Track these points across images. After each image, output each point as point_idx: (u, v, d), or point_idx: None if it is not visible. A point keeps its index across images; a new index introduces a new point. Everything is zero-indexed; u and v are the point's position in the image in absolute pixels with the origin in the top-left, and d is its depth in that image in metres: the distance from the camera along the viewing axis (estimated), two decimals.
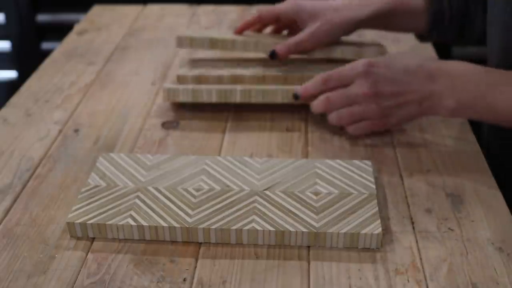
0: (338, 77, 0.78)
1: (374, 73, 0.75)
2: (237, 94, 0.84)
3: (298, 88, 0.82)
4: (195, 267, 0.60)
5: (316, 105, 0.80)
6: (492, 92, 0.71)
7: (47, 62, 1.03)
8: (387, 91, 0.75)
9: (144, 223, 0.63)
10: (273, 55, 0.89)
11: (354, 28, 0.90)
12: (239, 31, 0.96)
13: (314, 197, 0.66)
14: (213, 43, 0.93)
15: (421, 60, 0.76)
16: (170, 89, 0.85)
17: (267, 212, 0.64)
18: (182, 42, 0.94)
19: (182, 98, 0.85)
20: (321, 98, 0.79)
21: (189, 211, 0.64)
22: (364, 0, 0.91)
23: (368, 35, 1.08)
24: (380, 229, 0.62)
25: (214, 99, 0.84)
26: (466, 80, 0.73)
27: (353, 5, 0.90)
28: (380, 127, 0.78)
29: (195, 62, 0.96)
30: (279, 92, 0.84)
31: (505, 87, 0.71)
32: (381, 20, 0.91)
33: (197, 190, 0.68)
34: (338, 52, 0.92)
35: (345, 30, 0.90)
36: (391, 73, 0.75)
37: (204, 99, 0.85)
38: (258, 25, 0.97)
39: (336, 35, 0.90)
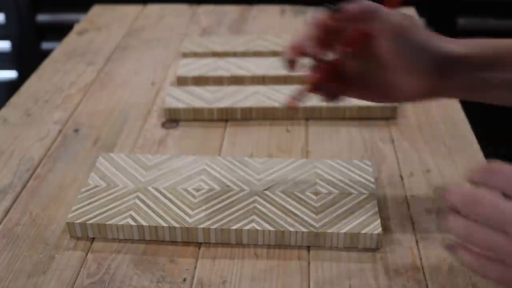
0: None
1: None
2: (238, 112, 0.84)
3: None
4: (195, 267, 0.60)
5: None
6: None
7: (47, 62, 1.03)
8: None
9: (144, 223, 0.63)
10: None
11: None
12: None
13: (314, 197, 0.66)
14: (215, 55, 1.00)
15: None
16: (171, 109, 0.85)
17: (267, 212, 0.64)
18: (186, 55, 1.01)
19: (183, 117, 0.85)
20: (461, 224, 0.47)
21: (189, 211, 0.64)
22: None
23: None
24: (380, 229, 0.62)
25: (215, 117, 0.85)
26: None
27: None
28: None
29: (195, 62, 0.96)
30: (279, 110, 0.84)
31: None
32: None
33: (197, 190, 0.67)
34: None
35: None
36: None
37: (205, 117, 0.85)
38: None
39: None
